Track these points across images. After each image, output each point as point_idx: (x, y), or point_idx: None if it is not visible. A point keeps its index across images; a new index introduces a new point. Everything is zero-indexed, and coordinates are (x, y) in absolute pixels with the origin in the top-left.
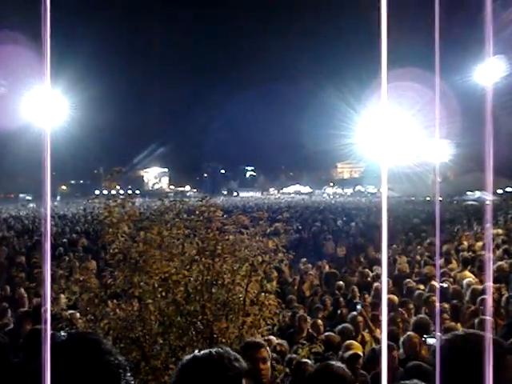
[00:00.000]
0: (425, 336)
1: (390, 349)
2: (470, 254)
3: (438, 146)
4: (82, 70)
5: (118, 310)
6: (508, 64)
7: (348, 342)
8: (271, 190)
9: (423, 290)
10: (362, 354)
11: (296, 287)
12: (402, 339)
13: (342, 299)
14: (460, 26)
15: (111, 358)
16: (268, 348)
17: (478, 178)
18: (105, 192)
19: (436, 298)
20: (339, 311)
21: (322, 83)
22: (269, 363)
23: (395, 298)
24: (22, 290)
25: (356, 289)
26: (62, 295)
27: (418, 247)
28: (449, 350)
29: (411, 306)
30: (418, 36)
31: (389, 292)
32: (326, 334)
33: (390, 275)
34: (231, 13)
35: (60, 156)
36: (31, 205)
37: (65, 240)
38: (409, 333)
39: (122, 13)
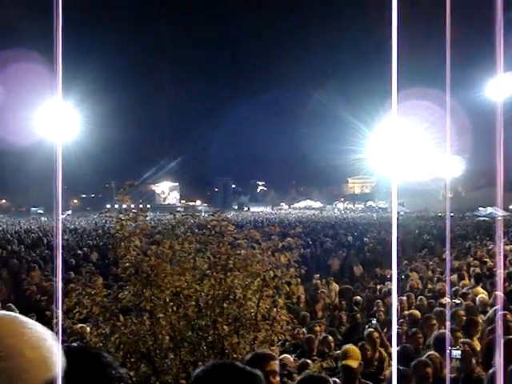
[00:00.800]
0: (449, 348)
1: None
2: (482, 270)
3: (449, 161)
4: (93, 84)
5: (128, 325)
6: None
7: (346, 347)
8: (282, 204)
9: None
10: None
11: (307, 304)
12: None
13: (358, 315)
14: (470, 41)
15: (112, 371)
16: (278, 361)
17: (490, 193)
18: (116, 206)
19: (447, 314)
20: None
21: (334, 98)
22: (278, 378)
23: (417, 313)
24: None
25: (380, 303)
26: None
27: (431, 263)
28: None
29: (434, 321)
30: (428, 52)
31: (411, 307)
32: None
33: (401, 291)
34: (236, 22)
35: (72, 170)
36: (43, 218)
37: (77, 254)
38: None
39: (134, 26)
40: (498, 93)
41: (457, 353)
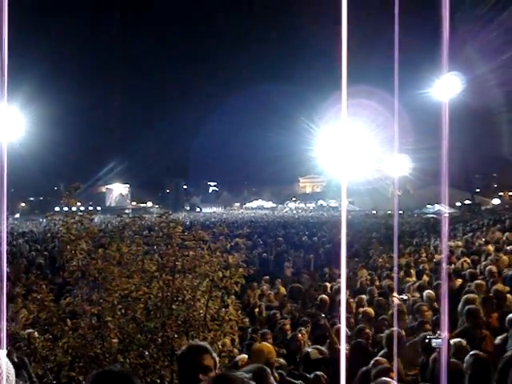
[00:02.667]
0: (429, 337)
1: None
2: (430, 266)
3: (397, 160)
4: (40, 86)
5: (76, 328)
6: (464, 80)
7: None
8: (234, 205)
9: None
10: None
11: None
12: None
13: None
14: (417, 42)
15: None
16: (215, 355)
17: (437, 191)
18: (66, 209)
19: (394, 310)
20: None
21: (284, 98)
22: (212, 374)
23: (371, 310)
24: None
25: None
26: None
27: (380, 260)
28: None
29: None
30: (376, 53)
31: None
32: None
33: (351, 289)
34: (182, 27)
35: (19, 173)
36: None
37: (23, 258)
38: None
39: (83, 25)
40: (443, 92)
41: (437, 342)
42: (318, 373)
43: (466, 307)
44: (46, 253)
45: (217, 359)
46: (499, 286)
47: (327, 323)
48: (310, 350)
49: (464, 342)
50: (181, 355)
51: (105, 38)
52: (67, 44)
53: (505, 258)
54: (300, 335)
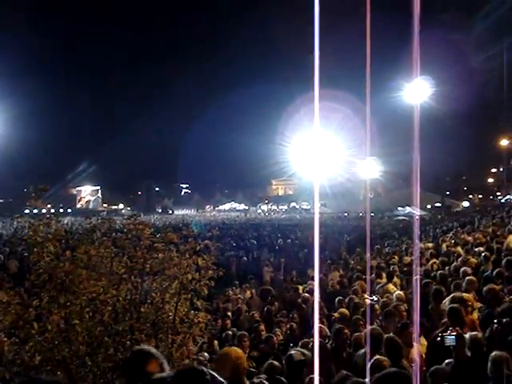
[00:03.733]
0: (442, 334)
1: None
2: (400, 267)
3: (368, 163)
4: (9, 86)
5: (43, 332)
6: (434, 84)
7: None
8: (207, 207)
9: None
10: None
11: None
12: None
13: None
14: (389, 46)
15: None
16: (164, 361)
17: (408, 193)
18: (35, 211)
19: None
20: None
21: (257, 100)
22: None
23: (346, 311)
24: None
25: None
26: None
27: (352, 262)
28: None
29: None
30: (347, 57)
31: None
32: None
33: (323, 291)
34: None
35: None
36: None
37: None
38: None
39: (53, 22)
40: (414, 96)
41: (451, 338)
42: None
43: (449, 306)
44: (13, 255)
45: (165, 365)
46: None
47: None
48: (293, 351)
49: (480, 334)
50: (127, 361)
51: (79, 35)
52: (39, 42)
53: (473, 259)
54: (275, 337)
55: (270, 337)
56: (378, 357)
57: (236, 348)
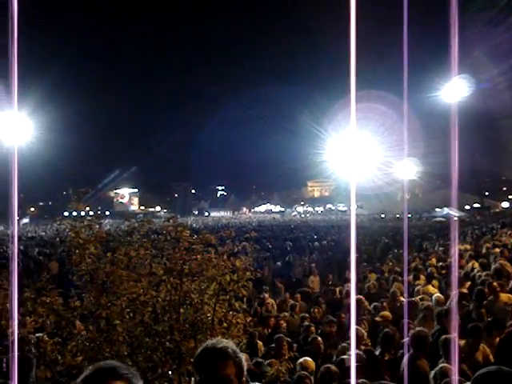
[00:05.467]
0: None
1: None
2: (438, 270)
3: (406, 164)
4: (48, 92)
5: (85, 332)
6: (473, 83)
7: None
8: (243, 209)
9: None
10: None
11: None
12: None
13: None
14: (426, 45)
15: None
16: (240, 359)
17: (446, 194)
18: (74, 213)
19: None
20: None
21: (292, 102)
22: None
23: (388, 314)
24: None
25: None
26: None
27: (390, 264)
28: None
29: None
30: (385, 57)
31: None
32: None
33: (360, 292)
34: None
35: (28, 178)
36: None
37: (33, 262)
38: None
39: (92, 30)
40: (452, 96)
41: None
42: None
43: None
44: (55, 257)
45: (243, 364)
46: None
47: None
48: (345, 356)
49: None
50: (195, 361)
51: (114, 43)
52: (77, 50)
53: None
54: (319, 338)
55: (315, 338)
56: (443, 365)
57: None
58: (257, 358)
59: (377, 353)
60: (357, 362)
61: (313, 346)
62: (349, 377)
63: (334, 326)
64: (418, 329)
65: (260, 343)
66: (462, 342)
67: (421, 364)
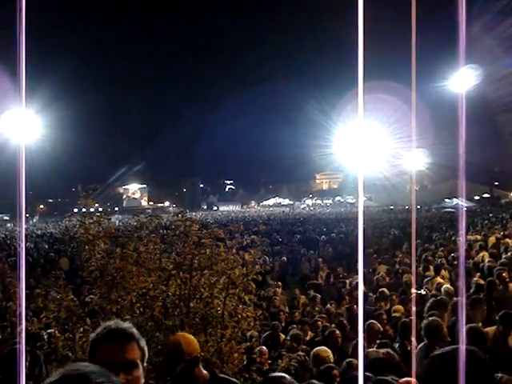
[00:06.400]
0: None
1: None
2: (447, 260)
3: (414, 155)
4: (57, 89)
5: (96, 328)
6: (480, 73)
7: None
8: (252, 203)
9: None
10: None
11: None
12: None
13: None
14: (433, 35)
15: None
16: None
17: (455, 185)
18: (83, 210)
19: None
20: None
21: (299, 94)
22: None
23: (401, 308)
24: None
25: None
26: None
27: (400, 255)
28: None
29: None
30: (392, 47)
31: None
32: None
33: (370, 284)
34: (204, 25)
35: (37, 175)
36: (9, 225)
37: (43, 259)
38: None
39: (99, 28)
40: (460, 86)
41: None
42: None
43: None
44: (65, 253)
45: (145, 349)
46: None
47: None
48: (369, 350)
49: None
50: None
51: (122, 39)
52: (84, 46)
53: None
54: (337, 331)
55: (333, 331)
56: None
57: (185, 333)
58: (280, 350)
59: (396, 345)
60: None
61: (330, 338)
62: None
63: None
64: (430, 318)
65: (282, 336)
66: (492, 330)
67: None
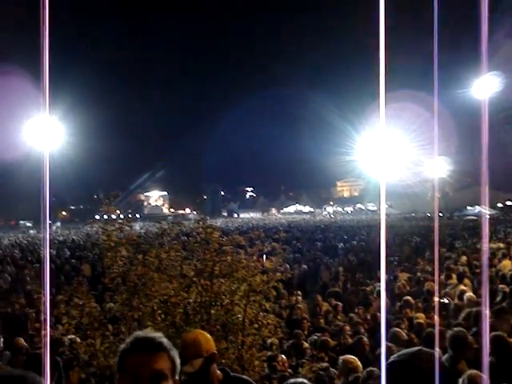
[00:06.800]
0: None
1: None
2: (470, 268)
3: (436, 162)
4: (79, 96)
5: (117, 334)
6: (503, 80)
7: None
8: (272, 210)
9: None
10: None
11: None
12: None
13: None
14: (456, 41)
15: None
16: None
17: (477, 192)
18: (105, 217)
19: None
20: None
21: (321, 101)
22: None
23: (423, 315)
24: None
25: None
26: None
27: (421, 263)
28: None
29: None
30: (414, 53)
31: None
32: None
33: (391, 292)
34: (225, 23)
35: (60, 182)
36: (31, 231)
37: (65, 265)
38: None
39: (119, 36)
40: (482, 92)
41: None
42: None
43: None
44: (87, 260)
45: (177, 360)
46: None
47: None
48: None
49: None
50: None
51: (144, 47)
52: (106, 54)
53: None
54: (365, 339)
55: (361, 338)
56: (471, 371)
57: (202, 331)
58: (303, 359)
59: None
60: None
61: (358, 345)
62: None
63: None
64: (456, 329)
65: (306, 344)
66: None
67: (460, 367)
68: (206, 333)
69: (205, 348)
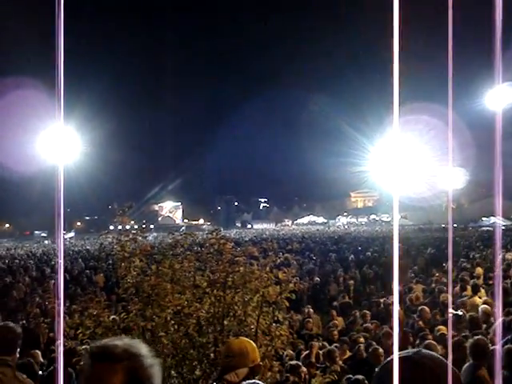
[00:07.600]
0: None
1: None
2: (485, 280)
3: (450, 173)
4: (94, 107)
5: None
6: None
7: None
8: (286, 221)
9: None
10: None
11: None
12: None
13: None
14: (469, 52)
15: None
16: None
17: (492, 203)
18: (119, 227)
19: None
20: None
21: (335, 112)
22: None
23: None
24: None
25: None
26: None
27: (437, 275)
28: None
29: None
30: (428, 64)
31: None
32: None
33: (404, 304)
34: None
35: (75, 193)
36: (46, 241)
37: (80, 276)
38: None
39: (133, 48)
40: (496, 103)
41: None
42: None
43: None
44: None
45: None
46: None
47: None
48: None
49: None
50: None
51: (160, 58)
52: (122, 64)
53: None
54: (381, 350)
55: (376, 349)
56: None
57: (249, 340)
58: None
59: None
60: None
61: (372, 357)
62: None
63: (391, 338)
64: (476, 337)
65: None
66: None
67: (481, 374)
68: (252, 342)
69: (251, 358)
